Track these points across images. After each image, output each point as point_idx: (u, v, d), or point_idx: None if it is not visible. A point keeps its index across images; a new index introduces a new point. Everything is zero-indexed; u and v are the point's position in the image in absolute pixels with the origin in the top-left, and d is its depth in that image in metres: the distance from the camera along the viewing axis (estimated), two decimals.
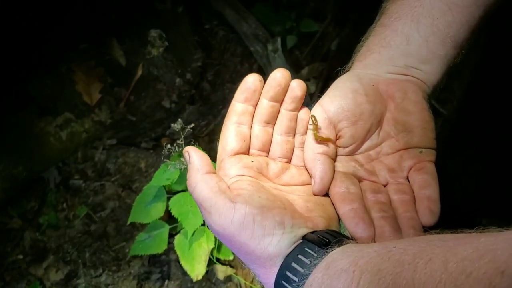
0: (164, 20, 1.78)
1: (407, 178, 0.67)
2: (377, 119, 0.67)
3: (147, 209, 1.30)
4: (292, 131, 0.67)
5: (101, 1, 1.82)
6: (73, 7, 1.87)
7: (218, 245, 1.34)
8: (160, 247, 1.36)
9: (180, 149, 1.12)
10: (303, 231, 0.56)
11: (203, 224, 1.25)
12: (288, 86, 0.65)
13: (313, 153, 0.65)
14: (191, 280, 1.35)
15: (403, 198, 0.64)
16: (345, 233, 0.60)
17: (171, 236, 1.39)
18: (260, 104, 0.65)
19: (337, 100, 0.65)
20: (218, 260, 1.42)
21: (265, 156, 0.67)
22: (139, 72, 1.73)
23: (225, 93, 1.90)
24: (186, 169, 1.21)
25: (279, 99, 0.65)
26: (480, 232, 0.46)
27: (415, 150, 0.67)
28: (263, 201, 0.57)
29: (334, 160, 0.67)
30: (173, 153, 1.13)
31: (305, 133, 0.67)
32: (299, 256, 0.54)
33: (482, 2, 0.70)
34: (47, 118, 1.74)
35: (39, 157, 1.75)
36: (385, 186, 0.67)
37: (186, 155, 0.61)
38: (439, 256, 0.42)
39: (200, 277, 1.31)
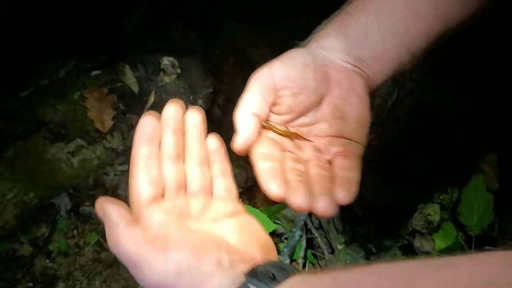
0: (176, 47, 1.79)
1: (330, 162, 0.67)
2: (318, 99, 0.67)
3: None
4: (206, 161, 0.65)
5: (114, 28, 1.83)
6: (85, 34, 1.89)
7: None
8: None
9: None
10: (243, 266, 0.53)
11: None
12: (185, 115, 0.63)
13: (246, 112, 0.64)
14: None
15: (322, 173, 0.64)
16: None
17: None
18: (163, 142, 0.62)
19: (286, 68, 0.65)
20: None
21: (184, 194, 0.63)
22: (152, 99, 1.73)
23: None
24: None
25: (182, 131, 0.63)
26: (437, 257, 0.43)
27: (345, 140, 0.68)
28: (195, 244, 0.53)
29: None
30: None
31: (221, 159, 0.66)
32: None
33: (444, 16, 0.70)
34: (59, 145, 1.74)
35: (51, 184, 1.75)
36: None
37: (99, 211, 0.57)
38: None
39: None
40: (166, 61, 1.69)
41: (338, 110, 0.68)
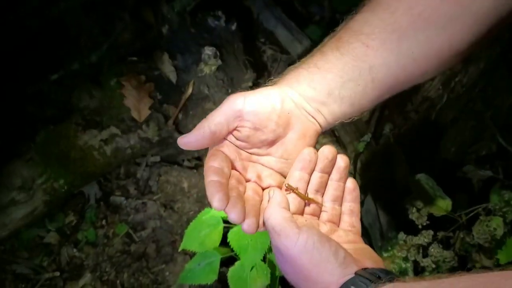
0: (217, 38, 1.73)
1: (263, 190, 0.79)
2: (273, 138, 0.77)
3: (201, 238, 1.24)
4: (339, 200, 0.79)
5: (154, 14, 1.78)
6: (123, 19, 1.83)
7: (273, 282, 1.27)
8: (209, 278, 1.29)
9: None
10: (354, 268, 0.65)
11: (263, 260, 1.19)
12: (335, 160, 0.78)
13: (207, 124, 0.73)
14: None
15: (255, 197, 0.75)
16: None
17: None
18: (312, 176, 0.78)
19: (257, 106, 0.74)
20: None
21: (316, 219, 0.78)
22: (190, 90, 1.67)
23: None
24: None
25: (327, 171, 0.78)
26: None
27: (281, 177, 0.80)
28: (322, 234, 0.69)
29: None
30: None
31: (353, 201, 0.80)
32: (352, 287, 0.63)
33: (400, 85, 0.78)
34: (92, 132, 1.69)
35: (81, 171, 1.70)
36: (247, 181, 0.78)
37: (271, 191, 0.75)
38: None
39: None
40: (207, 50, 1.63)
41: (287, 153, 0.79)
